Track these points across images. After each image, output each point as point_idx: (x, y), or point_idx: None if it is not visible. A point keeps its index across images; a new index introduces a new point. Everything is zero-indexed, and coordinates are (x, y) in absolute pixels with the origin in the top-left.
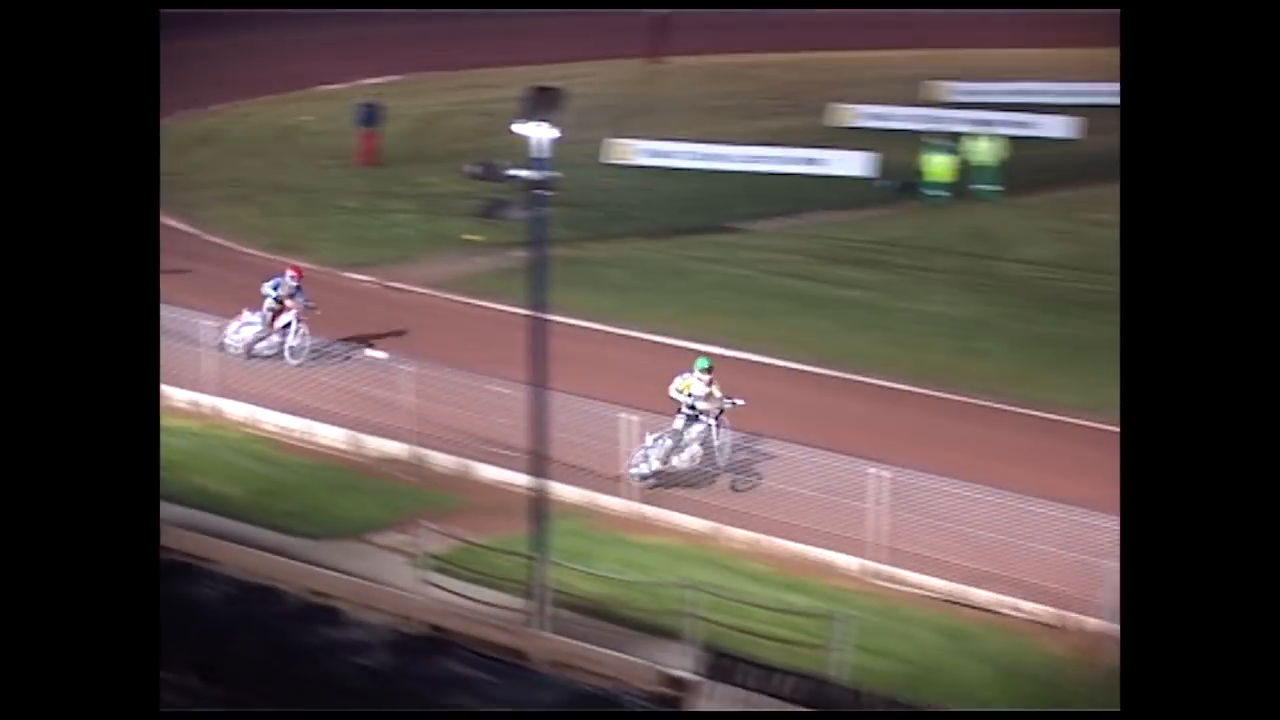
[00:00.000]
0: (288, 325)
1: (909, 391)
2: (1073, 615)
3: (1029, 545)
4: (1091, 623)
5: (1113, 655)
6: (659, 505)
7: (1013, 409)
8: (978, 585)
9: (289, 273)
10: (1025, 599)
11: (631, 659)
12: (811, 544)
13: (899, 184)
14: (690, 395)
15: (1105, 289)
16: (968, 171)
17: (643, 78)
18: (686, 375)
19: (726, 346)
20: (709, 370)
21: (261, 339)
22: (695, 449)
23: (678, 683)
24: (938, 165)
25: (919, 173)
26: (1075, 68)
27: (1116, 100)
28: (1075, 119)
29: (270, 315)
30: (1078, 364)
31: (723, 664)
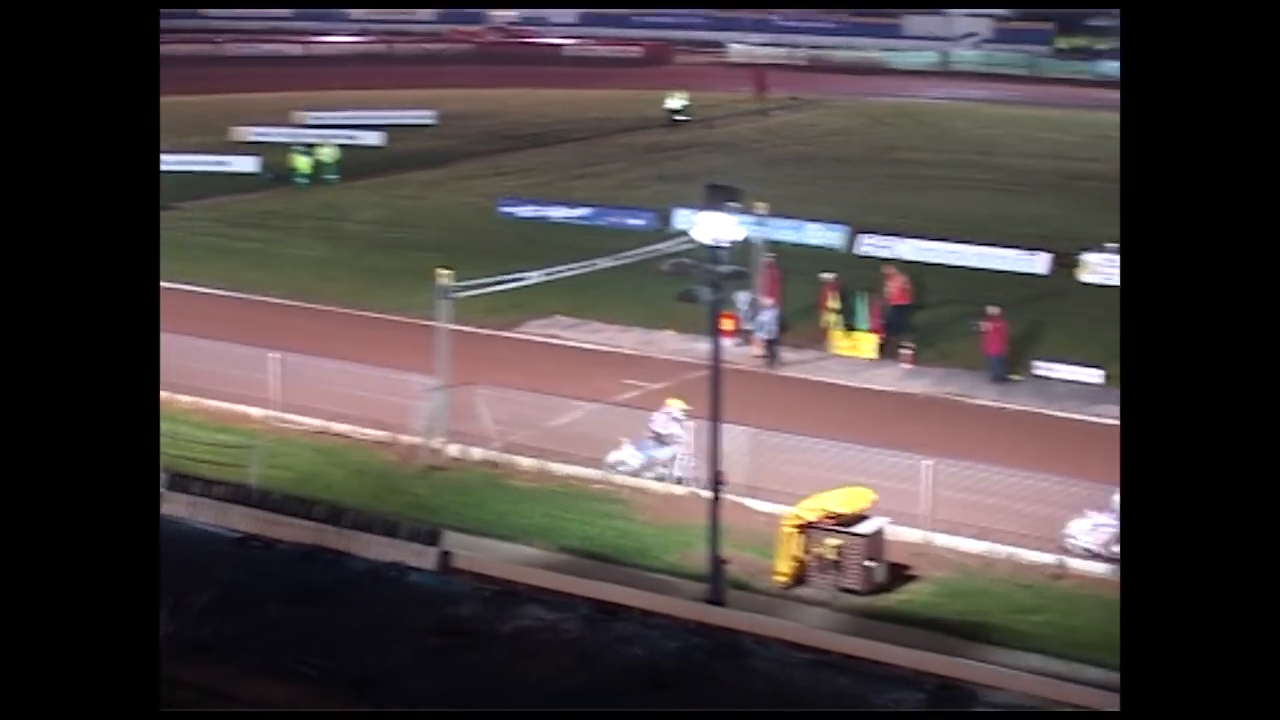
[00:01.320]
0: None
1: (289, 305)
2: (397, 435)
3: (367, 395)
4: (406, 439)
5: (425, 459)
6: None
7: (352, 312)
8: (339, 421)
9: None
10: (369, 428)
11: None
12: (234, 401)
13: (275, 175)
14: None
15: (405, 237)
16: (320, 167)
17: None
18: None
19: (174, 282)
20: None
21: None
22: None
23: None
24: (301, 162)
25: (289, 168)
26: (380, 102)
27: (408, 121)
28: (382, 133)
29: None
30: (389, 283)
31: (180, 480)
